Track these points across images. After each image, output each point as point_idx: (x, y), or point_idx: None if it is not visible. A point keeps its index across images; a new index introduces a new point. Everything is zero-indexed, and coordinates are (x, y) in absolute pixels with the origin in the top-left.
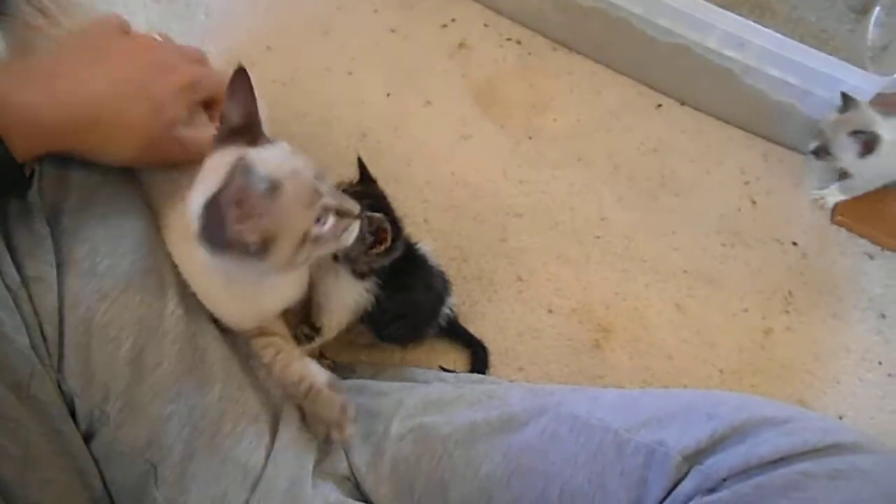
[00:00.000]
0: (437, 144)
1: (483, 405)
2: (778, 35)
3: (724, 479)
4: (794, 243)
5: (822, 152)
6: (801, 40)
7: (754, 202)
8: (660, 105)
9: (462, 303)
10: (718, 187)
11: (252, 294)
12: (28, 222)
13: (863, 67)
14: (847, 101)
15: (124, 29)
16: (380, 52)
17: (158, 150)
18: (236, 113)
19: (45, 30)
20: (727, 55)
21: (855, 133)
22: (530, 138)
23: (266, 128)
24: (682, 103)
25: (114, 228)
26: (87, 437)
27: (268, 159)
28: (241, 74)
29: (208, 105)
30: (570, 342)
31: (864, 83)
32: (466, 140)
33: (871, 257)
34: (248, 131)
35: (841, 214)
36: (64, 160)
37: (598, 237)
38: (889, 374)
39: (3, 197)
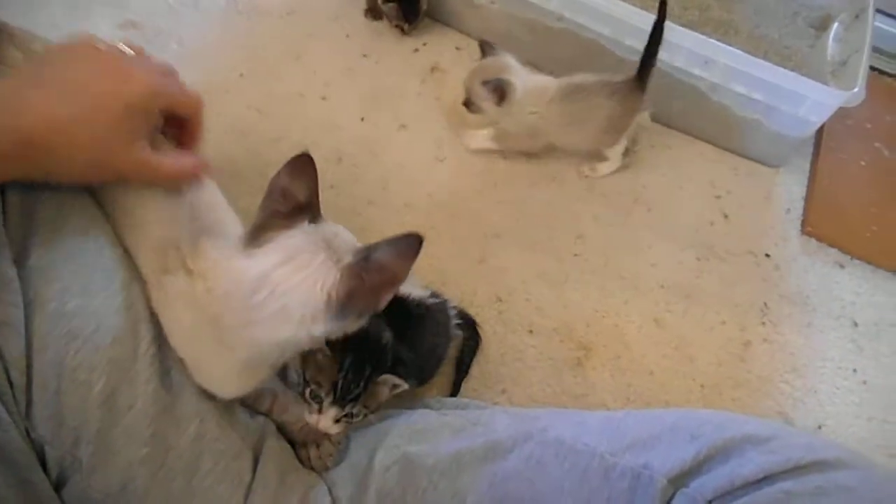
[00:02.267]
0: (413, 167)
1: (468, 432)
2: (742, 53)
3: (710, 501)
4: (767, 255)
5: (469, 104)
6: (765, 57)
7: (726, 216)
8: None
9: None
10: (691, 202)
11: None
12: None
13: (824, 82)
14: (485, 49)
15: (95, 46)
16: (353, 77)
17: (120, 169)
18: (302, 191)
19: None
20: (694, 73)
21: (487, 82)
22: (505, 159)
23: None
24: (653, 120)
25: (83, 266)
26: (59, 485)
27: (340, 232)
28: (305, 157)
29: (175, 124)
30: (552, 361)
31: (825, 97)
32: (442, 162)
33: (842, 266)
34: (308, 209)
35: (810, 225)
36: (30, 197)
37: (576, 255)
38: (864, 382)
39: None
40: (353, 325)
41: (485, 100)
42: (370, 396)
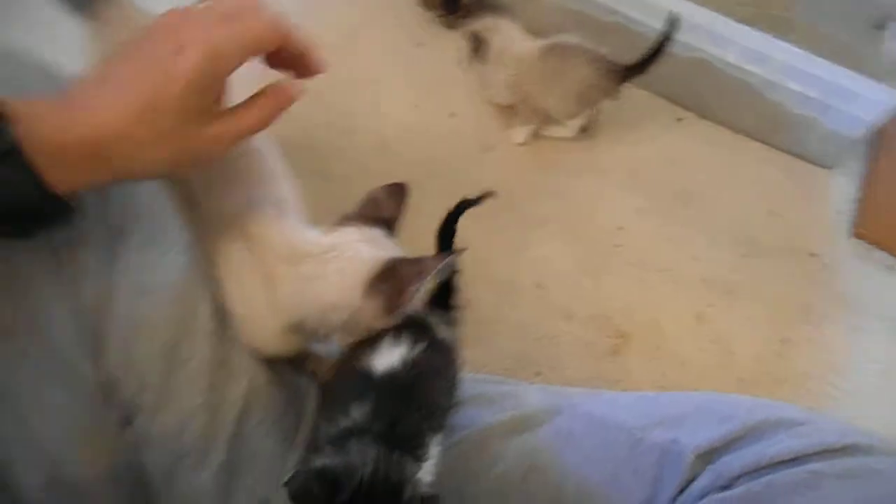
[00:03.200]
0: (460, 155)
1: (499, 405)
2: (798, 50)
3: (738, 477)
4: (814, 255)
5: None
6: (821, 55)
7: (774, 213)
8: (680, 119)
9: (482, 306)
10: (737, 198)
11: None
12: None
13: (882, 81)
14: (486, 8)
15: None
16: (405, 64)
17: (198, 152)
18: (390, 208)
19: None
20: (747, 69)
21: (469, 35)
22: (551, 149)
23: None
24: (703, 117)
25: (156, 223)
26: (126, 423)
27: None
28: (403, 186)
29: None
30: (588, 347)
31: (882, 96)
32: (489, 151)
33: (891, 269)
34: (389, 224)
35: (861, 227)
36: None
37: (617, 246)
38: None
39: (49, 226)
40: (374, 320)
41: (467, 51)
42: None
